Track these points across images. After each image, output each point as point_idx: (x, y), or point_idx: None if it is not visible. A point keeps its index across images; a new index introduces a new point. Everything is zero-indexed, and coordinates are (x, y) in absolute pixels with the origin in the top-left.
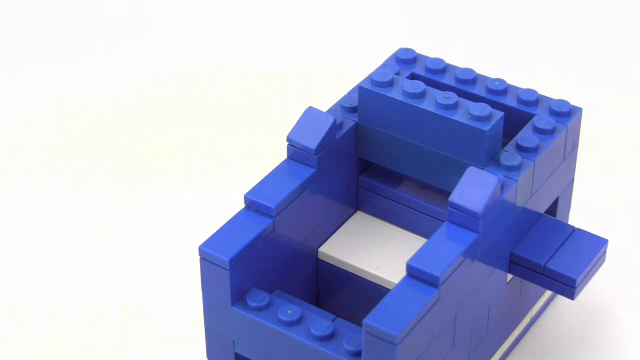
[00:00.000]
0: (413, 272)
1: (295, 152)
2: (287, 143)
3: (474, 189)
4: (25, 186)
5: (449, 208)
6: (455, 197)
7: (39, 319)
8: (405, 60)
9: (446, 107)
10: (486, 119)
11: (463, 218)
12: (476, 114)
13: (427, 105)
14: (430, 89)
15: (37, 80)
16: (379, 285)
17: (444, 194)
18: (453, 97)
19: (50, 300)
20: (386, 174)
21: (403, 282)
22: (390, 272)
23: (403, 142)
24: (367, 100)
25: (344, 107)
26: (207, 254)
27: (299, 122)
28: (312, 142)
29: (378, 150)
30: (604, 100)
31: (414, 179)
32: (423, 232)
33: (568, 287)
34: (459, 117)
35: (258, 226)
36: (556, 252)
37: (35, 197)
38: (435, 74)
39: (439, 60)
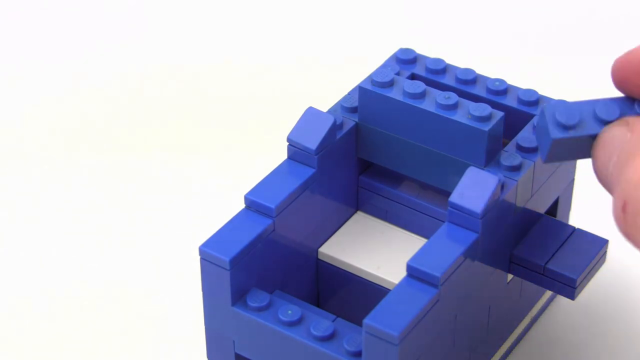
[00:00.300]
0: (413, 272)
1: (295, 152)
2: (287, 143)
3: (474, 189)
4: (25, 186)
5: (448, 208)
6: (455, 197)
7: (39, 319)
8: (405, 60)
9: (446, 107)
10: (486, 119)
11: (463, 218)
12: (476, 114)
13: (427, 105)
14: (430, 89)
15: (37, 79)
16: (379, 285)
17: (444, 194)
18: (453, 97)
19: (50, 300)
20: (386, 174)
21: (403, 282)
22: (390, 272)
23: (403, 142)
24: (367, 100)
25: (344, 107)
26: (207, 254)
27: (299, 122)
28: (312, 142)
29: (378, 150)
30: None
31: (414, 179)
32: (423, 232)
33: (568, 287)
34: (458, 117)
35: (258, 226)
36: (556, 252)
37: (35, 197)
38: (435, 74)
39: (439, 60)
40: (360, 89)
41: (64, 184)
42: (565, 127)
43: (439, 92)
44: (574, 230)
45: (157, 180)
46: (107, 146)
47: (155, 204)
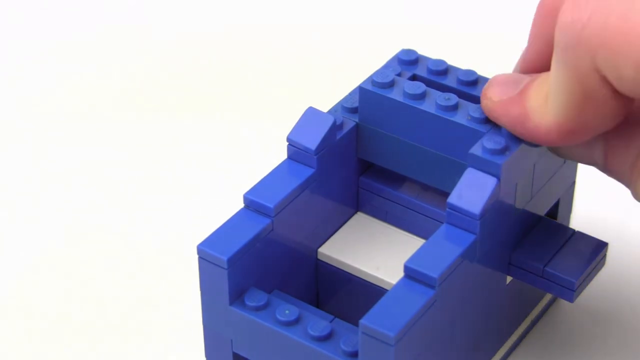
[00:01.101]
0: (410, 273)
1: (295, 152)
2: (287, 143)
3: (472, 190)
4: (25, 186)
5: (447, 209)
6: (453, 198)
7: (39, 320)
8: (407, 61)
9: (446, 109)
10: (486, 120)
11: (461, 219)
12: (476, 115)
13: (427, 107)
14: (431, 90)
15: (33, 77)
16: (378, 286)
17: (445, 196)
18: (453, 99)
19: (49, 301)
20: (386, 175)
21: (400, 283)
22: (390, 273)
23: (403, 143)
24: (368, 101)
25: (344, 108)
26: (205, 252)
27: (299, 122)
28: (311, 142)
29: (378, 150)
30: None
31: (414, 179)
32: (423, 234)
33: (567, 290)
34: (458, 118)
35: (256, 225)
36: (555, 254)
37: (35, 197)
38: (436, 75)
39: (441, 62)
40: (361, 90)
41: (64, 184)
42: (502, 150)
43: (439, 93)
44: (573, 232)
45: (157, 180)
46: (107, 146)
47: (155, 204)
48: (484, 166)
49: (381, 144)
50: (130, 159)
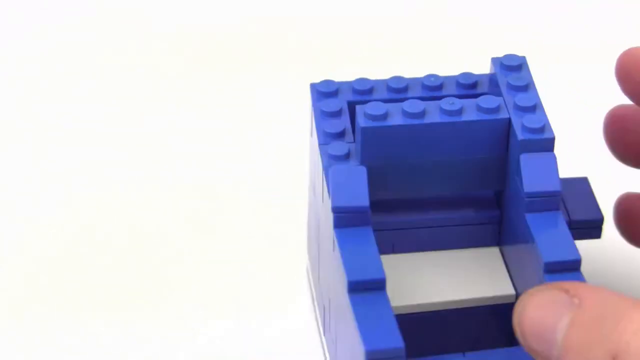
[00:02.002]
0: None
1: (343, 217)
2: (333, 213)
3: (540, 172)
4: (25, 186)
5: (526, 199)
6: (528, 187)
7: (38, 320)
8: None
9: (452, 113)
10: (497, 110)
11: (543, 202)
12: (486, 106)
13: (433, 118)
14: (430, 103)
15: (35, 71)
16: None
17: (438, 201)
18: (457, 102)
19: (49, 301)
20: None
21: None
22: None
23: (419, 164)
24: (371, 138)
25: (336, 157)
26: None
27: (333, 186)
28: (359, 199)
29: (391, 184)
30: (607, 102)
31: (419, 197)
32: (425, 246)
33: (596, 229)
34: (470, 116)
35: None
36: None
37: (35, 197)
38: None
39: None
40: (363, 130)
41: (64, 184)
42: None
43: (438, 101)
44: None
45: (157, 180)
46: (107, 146)
47: (155, 204)
48: (537, 146)
49: (394, 176)
50: (130, 159)
